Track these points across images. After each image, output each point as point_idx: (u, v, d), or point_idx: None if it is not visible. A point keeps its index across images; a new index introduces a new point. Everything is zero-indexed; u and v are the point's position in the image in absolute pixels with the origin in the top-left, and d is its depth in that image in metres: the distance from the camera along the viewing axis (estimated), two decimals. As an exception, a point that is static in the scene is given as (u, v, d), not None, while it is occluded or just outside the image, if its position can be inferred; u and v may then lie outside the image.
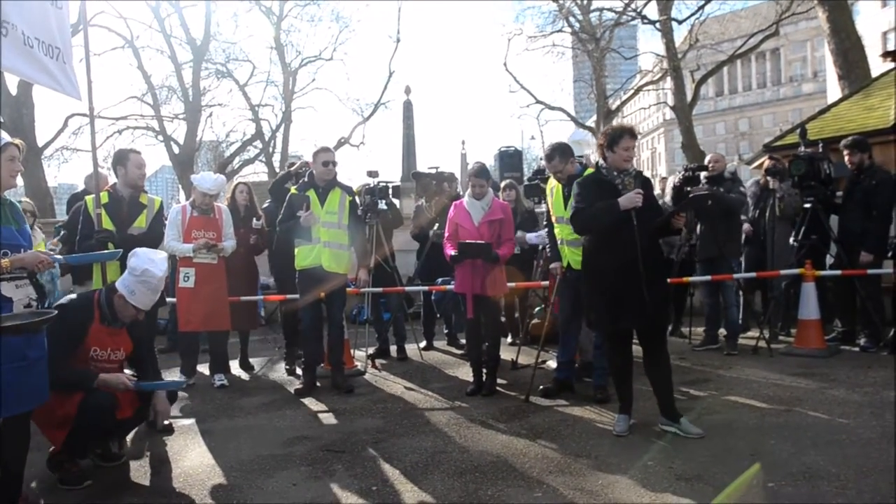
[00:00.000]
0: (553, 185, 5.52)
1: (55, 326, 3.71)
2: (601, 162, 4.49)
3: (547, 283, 6.26)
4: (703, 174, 6.91)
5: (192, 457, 4.39)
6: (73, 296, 4.19)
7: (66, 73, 4.94)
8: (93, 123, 5.25)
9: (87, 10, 5.56)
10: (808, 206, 6.79)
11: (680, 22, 24.68)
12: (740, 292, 7.25)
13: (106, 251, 3.81)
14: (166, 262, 4.22)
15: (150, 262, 4.04)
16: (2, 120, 17.69)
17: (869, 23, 24.97)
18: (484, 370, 5.73)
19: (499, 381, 5.85)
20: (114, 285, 4.07)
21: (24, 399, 3.33)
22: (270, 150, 30.13)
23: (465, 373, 6.32)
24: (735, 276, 6.90)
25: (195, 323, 6.23)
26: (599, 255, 4.44)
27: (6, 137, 3.44)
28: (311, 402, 5.65)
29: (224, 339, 6.56)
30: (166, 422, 5.06)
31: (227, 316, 6.40)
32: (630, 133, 4.40)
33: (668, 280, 4.77)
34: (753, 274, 7.30)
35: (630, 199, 4.20)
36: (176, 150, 25.45)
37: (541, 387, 5.53)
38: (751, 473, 3.09)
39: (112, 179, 6.54)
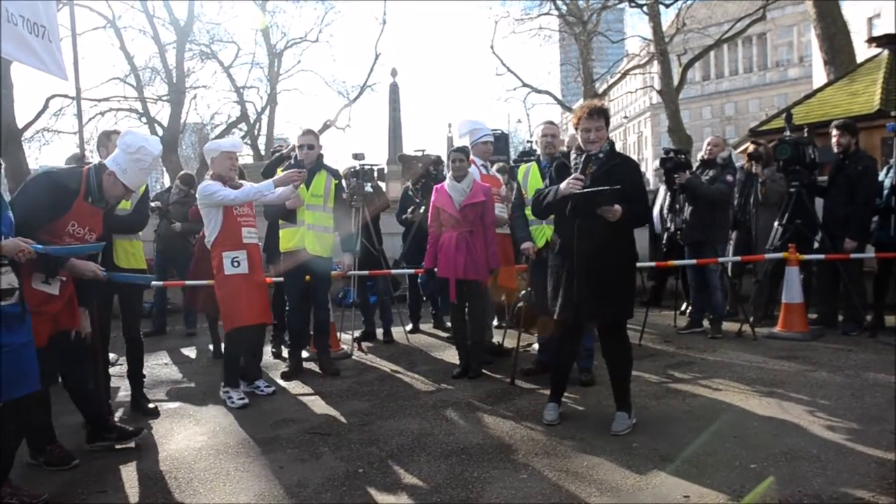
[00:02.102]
0: (528, 167, 5.51)
1: (40, 193, 3.71)
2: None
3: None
4: (703, 155, 6.95)
5: (178, 440, 4.39)
6: (63, 166, 4.13)
7: (52, 52, 4.87)
8: (79, 104, 5.19)
9: (68, -11, 5.49)
10: (792, 190, 6.83)
11: (667, 5, 24.68)
12: (725, 277, 7.30)
13: (88, 244, 3.77)
14: (160, 145, 4.14)
15: (144, 140, 3.98)
16: None
17: (855, 8, 25.02)
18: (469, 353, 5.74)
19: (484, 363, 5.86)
20: (104, 163, 3.99)
21: (13, 386, 3.28)
22: (255, 132, 29.96)
23: (451, 356, 6.34)
24: (719, 259, 6.94)
25: (253, 316, 5.21)
26: (556, 240, 4.38)
27: None
28: (297, 386, 5.65)
29: (264, 334, 5.91)
30: (151, 405, 5.06)
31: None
32: (588, 114, 4.13)
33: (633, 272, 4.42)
34: (738, 258, 7.35)
35: (565, 185, 4.07)
36: (160, 132, 25.18)
37: (521, 368, 5.56)
38: (764, 486, 3.15)
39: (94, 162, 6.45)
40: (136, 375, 5.13)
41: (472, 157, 6.08)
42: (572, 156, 4.32)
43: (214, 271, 5.15)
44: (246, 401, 5.09)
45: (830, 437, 3.88)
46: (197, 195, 5.17)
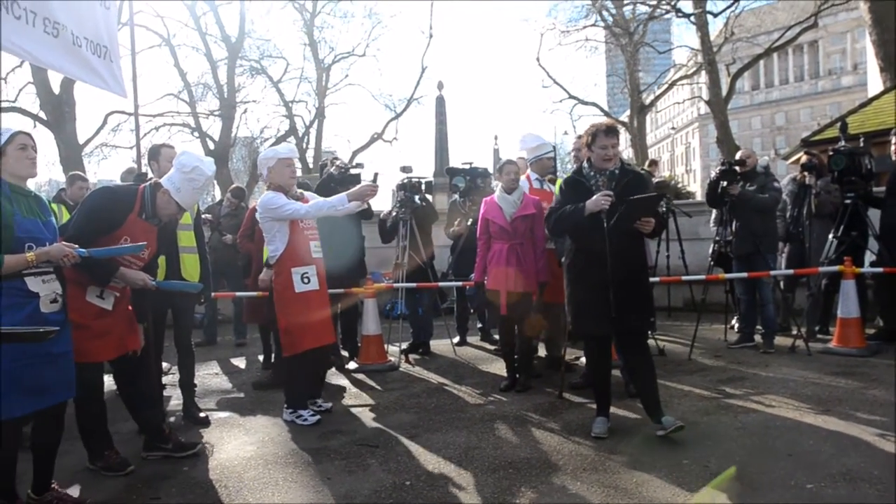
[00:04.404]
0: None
1: (95, 207, 3.84)
2: (585, 162, 4.44)
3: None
4: (738, 168, 6.83)
5: (228, 449, 4.46)
6: (119, 182, 4.22)
7: (113, 71, 5.06)
8: (137, 120, 5.32)
9: (128, 9, 5.67)
10: (848, 201, 6.67)
11: (715, 15, 24.38)
12: (778, 290, 7.14)
13: (129, 245, 3.84)
14: (214, 166, 4.22)
15: (199, 160, 4.06)
16: (45, 118, 18.16)
17: (912, 13, 24.39)
18: (517, 366, 5.72)
19: (532, 377, 5.82)
20: (159, 182, 4.08)
21: (50, 393, 3.39)
22: (304, 145, 30.36)
23: (499, 368, 6.33)
24: (772, 273, 6.80)
25: (320, 337, 5.04)
26: (574, 256, 4.42)
27: (12, 129, 3.47)
28: (345, 397, 5.71)
29: (327, 353, 5.76)
30: (202, 414, 5.15)
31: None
32: (606, 131, 4.26)
33: (650, 283, 4.56)
34: (791, 271, 7.19)
35: (595, 202, 4.12)
36: (211, 146, 25.78)
37: (569, 381, 5.53)
38: (726, 476, 3.10)
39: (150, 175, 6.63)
40: (187, 385, 5.23)
41: (528, 171, 6.21)
42: (585, 171, 4.39)
43: (279, 289, 4.91)
44: (319, 417, 4.97)
45: (892, 458, 3.74)
46: (259, 208, 4.94)
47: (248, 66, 28.45)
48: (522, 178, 6.21)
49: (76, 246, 3.39)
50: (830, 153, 6.88)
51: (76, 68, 4.75)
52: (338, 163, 6.90)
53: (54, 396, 3.45)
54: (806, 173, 7.44)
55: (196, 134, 26.91)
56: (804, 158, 7.68)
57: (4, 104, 20.88)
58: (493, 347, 7.56)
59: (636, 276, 4.29)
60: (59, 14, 4.46)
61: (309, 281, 4.90)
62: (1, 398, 3.17)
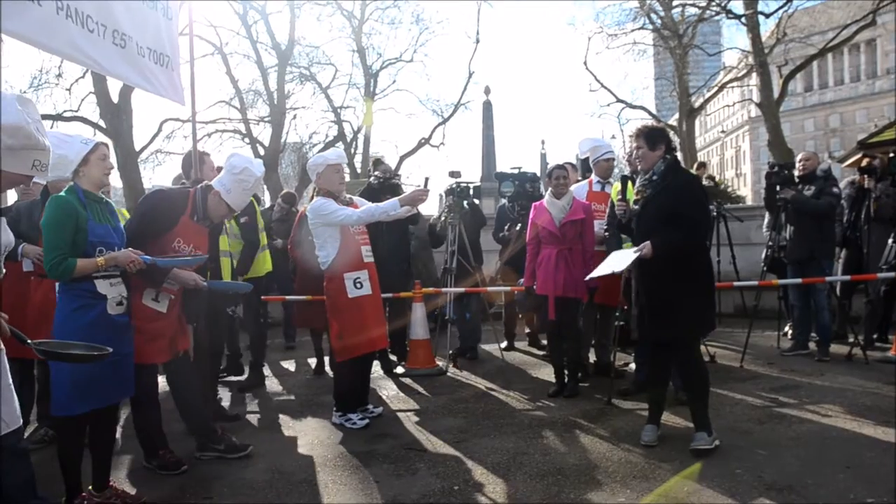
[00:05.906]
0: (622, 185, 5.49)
1: (149, 209, 3.97)
2: None
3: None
4: (795, 173, 6.67)
5: (278, 451, 4.53)
6: (172, 186, 4.38)
7: (173, 80, 5.23)
8: (194, 126, 5.44)
9: (182, 20, 5.80)
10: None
11: (767, 15, 23.84)
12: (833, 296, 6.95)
13: (192, 256, 3.96)
14: (263, 167, 4.30)
15: (248, 161, 4.17)
16: (105, 126, 18.80)
17: (978, 9, 23.43)
18: (566, 371, 5.69)
19: (581, 383, 5.79)
20: (209, 184, 4.20)
21: (112, 392, 3.57)
22: (352, 151, 30.65)
23: (547, 374, 6.30)
24: (828, 278, 6.62)
25: (372, 342, 5.07)
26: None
27: (94, 139, 3.66)
28: (393, 401, 5.74)
29: (373, 358, 5.75)
30: (251, 416, 5.24)
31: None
32: (631, 135, 4.47)
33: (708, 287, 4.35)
34: (847, 277, 7.00)
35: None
36: (262, 151, 26.22)
37: (618, 387, 5.48)
38: (693, 470, 3.03)
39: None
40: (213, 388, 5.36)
41: (592, 175, 6.35)
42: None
43: (332, 295, 4.91)
44: (367, 420, 5.01)
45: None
46: (309, 215, 4.95)
47: (298, 73, 28.82)
48: (584, 182, 6.23)
49: (142, 253, 3.53)
50: (891, 155, 6.69)
51: (140, 78, 4.91)
52: (376, 172, 6.96)
53: (116, 395, 3.61)
54: (865, 176, 7.24)
55: (247, 140, 27.42)
56: (864, 161, 7.46)
57: (68, 114, 21.76)
58: (540, 352, 7.53)
59: (662, 284, 4.13)
60: (126, 26, 4.63)
61: (361, 286, 4.87)
62: (68, 396, 3.37)
